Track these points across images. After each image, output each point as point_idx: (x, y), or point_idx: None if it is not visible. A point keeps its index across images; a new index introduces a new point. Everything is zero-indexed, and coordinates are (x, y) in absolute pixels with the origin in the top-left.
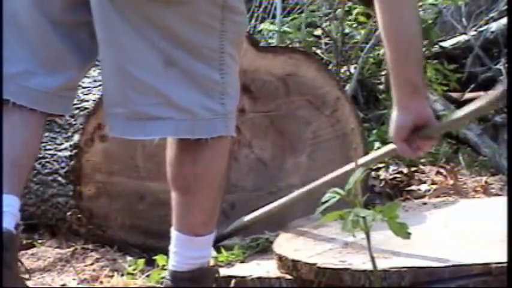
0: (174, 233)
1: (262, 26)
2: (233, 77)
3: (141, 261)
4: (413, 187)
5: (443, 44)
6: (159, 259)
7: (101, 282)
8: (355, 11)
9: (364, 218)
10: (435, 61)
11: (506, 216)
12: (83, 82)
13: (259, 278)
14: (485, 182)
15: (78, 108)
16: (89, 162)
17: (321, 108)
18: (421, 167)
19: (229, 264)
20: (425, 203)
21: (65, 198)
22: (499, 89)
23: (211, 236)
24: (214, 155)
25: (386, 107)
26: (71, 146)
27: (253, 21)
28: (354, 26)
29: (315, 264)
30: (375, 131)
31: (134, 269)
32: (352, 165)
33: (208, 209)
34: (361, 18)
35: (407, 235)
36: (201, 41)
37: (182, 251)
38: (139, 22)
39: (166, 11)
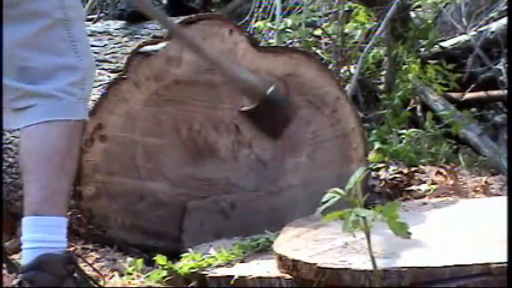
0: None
1: (259, 24)
2: (91, 63)
3: (141, 261)
4: (413, 187)
5: (443, 44)
6: (159, 259)
7: (95, 282)
8: (355, 11)
9: (364, 218)
10: (435, 61)
11: (506, 216)
12: None
13: (259, 278)
14: (485, 182)
15: None
16: (89, 162)
17: (321, 108)
18: (421, 167)
19: (229, 264)
20: (425, 203)
21: None
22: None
23: (59, 220)
24: (52, 133)
25: (386, 107)
26: None
27: (253, 21)
28: (354, 26)
29: (315, 264)
30: (374, 131)
31: (134, 269)
32: None
33: (49, 185)
34: (361, 18)
35: (407, 235)
36: (49, 36)
37: (27, 236)
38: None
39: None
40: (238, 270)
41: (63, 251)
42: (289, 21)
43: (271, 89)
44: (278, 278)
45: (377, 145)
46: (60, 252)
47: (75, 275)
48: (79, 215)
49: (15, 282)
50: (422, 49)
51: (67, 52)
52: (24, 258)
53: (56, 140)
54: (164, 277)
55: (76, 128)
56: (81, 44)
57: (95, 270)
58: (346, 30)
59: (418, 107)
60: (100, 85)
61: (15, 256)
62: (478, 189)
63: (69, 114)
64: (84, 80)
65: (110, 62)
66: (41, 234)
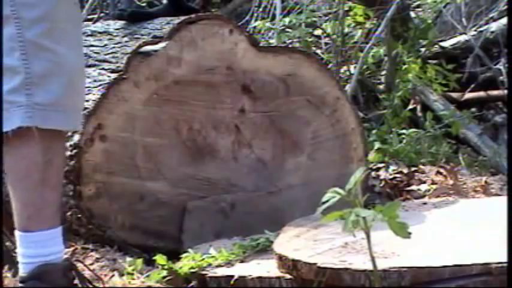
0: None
1: (259, 24)
2: (47, 68)
3: (141, 261)
4: (413, 187)
5: (443, 44)
6: (159, 259)
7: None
8: (354, 11)
9: (364, 218)
10: (435, 61)
11: (506, 216)
12: None
13: (259, 278)
14: (485, 182)
15: None
16: (89, 162)
17: (321, 108)
18: (421, 167)
19: (229, 263)
20: (425, 203)
21: (65, 198)
22: None
23: (50, 233)
24: (22, 146)
25: (386, 107)
26: (71, 146)
27: (253, 21)
28: (353, 25)
29: (315, 264)
30: (374, 131)
31: (134, 269)
32: None
33: (30, 202)
34: (360, 18)
35: (407, 235)
36: (4, 33)
37: (21, 251)
38: None
39: None
40: (238, 270)
41: (62, 259)
42: (287, 20)
43: None
44: (278, 278)
45: (377, 145)
46: (59, 261)
47: (76, 281)
48: (79, 215)
49: None
50: (422, 49)
51: (12, 53)
52: (22, 270)
53: (29, 155)
54: (164, 277)
55: (53, 138)
56: (34, 48)
57: (93, 272)
58: (346, 30)
59: (418, 107)
60: (100, 85)
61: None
62: (478, 189)
63: (8, 125)
64: (30, 85)
65: (110, 62)
66: (33, 250)
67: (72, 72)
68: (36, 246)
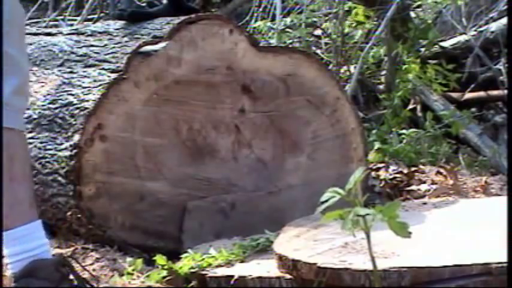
0: None
1: (259, 24)
2: (4, 70)
3: (141, 261)
4: (413, 187)
5: (443, 44)
6: (159, 259)
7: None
8: (355, 11)
9: (364, 217)
10: (435, 61)
11: (506, 216)
12: (83, 82)
13: (259, 278)
14: (485, 182)
15: (78, 108)
16: (89, 162)
17: (321, 108)
18: (421, 167)
19: (229, 263)
20: (425, 203)
21: (65, 198)
22: None
23: (29, 227)
24: None
25: (386, 107)
26: (71, 146)
27: (253, 21)
28: (354, 25)
29: (315, 263)
30: (374, 131)
31: (134, 269)
32: None
33: (3, 201)
34: (361, 18)
35: (407, 235)
36: None
37: (5, 251)
38: None
39: None
40: (238, 270)
41: (54, 255)
42: (288, 20)
43: None
44: (278, 278)
45: (377, 145)
46: (49, 257)
47: (71, 277)
48: (79, 215)
49: None
50: (422, 49)
51: None
52: (12, 270)
53: None
54: (164, 277)
55: (10, 135)
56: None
57: (86, 270)
58: (346, 30)
59: (418, 107)
60: (100, 85)
61: None
62: (478, 189)
63: None
64: None
65: (110, 62)
66: (17, 247)
67: (23, 75)
68: (17, 243)
